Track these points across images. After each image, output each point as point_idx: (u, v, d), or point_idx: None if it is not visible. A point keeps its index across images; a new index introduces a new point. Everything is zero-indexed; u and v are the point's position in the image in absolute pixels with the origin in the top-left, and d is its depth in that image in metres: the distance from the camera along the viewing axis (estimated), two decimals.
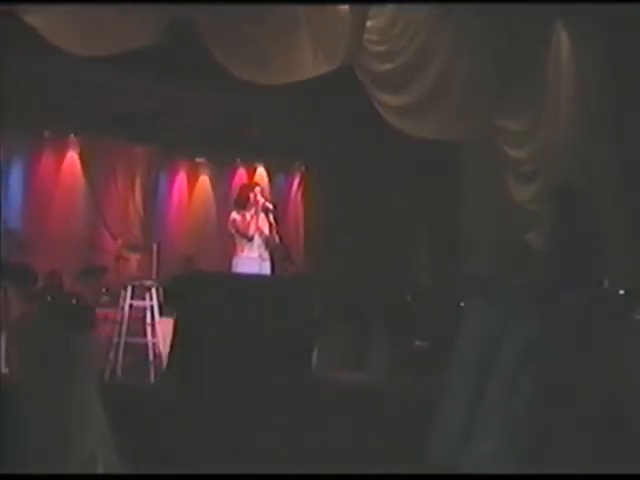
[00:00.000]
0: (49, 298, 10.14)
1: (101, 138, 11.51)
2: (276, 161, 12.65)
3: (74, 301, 10.17)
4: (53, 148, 11.49)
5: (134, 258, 10.21)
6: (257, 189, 8.68)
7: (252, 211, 8.47)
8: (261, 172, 12.57)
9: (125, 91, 11.27)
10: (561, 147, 10.61)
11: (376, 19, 9.55)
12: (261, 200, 8.49)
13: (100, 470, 4.31)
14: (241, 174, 12.40)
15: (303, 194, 12.72)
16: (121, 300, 8.02)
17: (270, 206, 8.46)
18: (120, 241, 10.44)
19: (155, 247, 9.61)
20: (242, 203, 8.54)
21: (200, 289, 6.21)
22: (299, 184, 12.82)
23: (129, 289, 7.97)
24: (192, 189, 12.38)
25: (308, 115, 11.58)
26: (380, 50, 9.67)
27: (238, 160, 12.50)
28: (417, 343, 9.69)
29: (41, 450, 4.19)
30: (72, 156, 11.50)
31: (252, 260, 8.37)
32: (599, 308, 5.00)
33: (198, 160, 12.41)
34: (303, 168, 12.76)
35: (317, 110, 11.36)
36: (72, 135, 11.48)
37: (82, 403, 4.35)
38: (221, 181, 12.39)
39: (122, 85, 11.11)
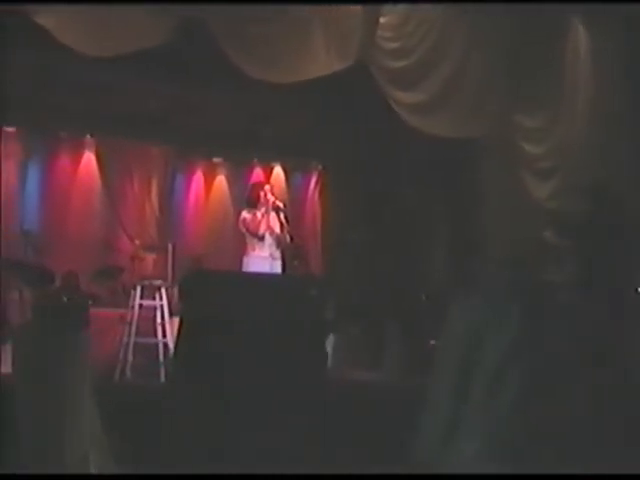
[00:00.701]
0: (65, 299, 10.20)
1: (118, 138, 11.52)
2: (293, 160, 12.61)
3: (90, 302, 10.24)
4: (70, 149, 11.53)
5: (150, 258, 10.21)
6: (267, 187, 8.65)
7: (263, 210, 8.43)
8: (278, 171, 12.55)
9: (141, 91, 11.26)
10: (579, 143, 10.48)
11: (389, 16, 9.47)
12: (271, 199, 8.45)
13: (93, 471, 4.29)
14: (258, 174, 12.37)
15: (320, 193, 12.66)
16: (131, 300, 8.02)
17: (280, 204, 8.43)
18: (138, 242, 10.44)
19: (170, 247, 9.62)
20: (252, 202, 8.51)
21: (202, 288, 6.17)
22: (316, 183, 12.77)
23: (138, 289, 7.95)
24: (209, 189, 12.37)
25: (325, 114, 11.51)
26: (394, 47, 9.60)
27: (255, 160, 12.47)
28: (432, 342, 9.61)
29: (33, 450, 4.18)
30: (89, 157, 11.54)
31: (263, 259, 8.32)
32: (618, 311, 4.94)
33: (215, 160, 12.40)
34: (320, 167, 12.69)
35: (333, 109, 11.29)
36: (88, 136, 11.51)
37: (75, 403, 4.33)
38: (238, 181, 12.36)
39: (138, 85, 11.10)
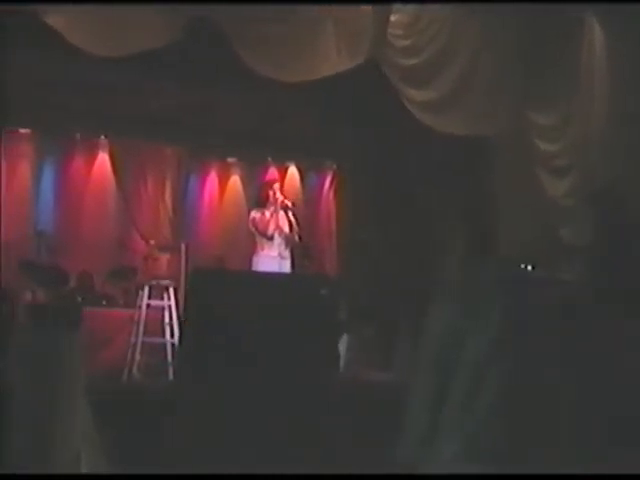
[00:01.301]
0: (79, 299, 10.23)
1: (131, 139, 11.52)
2: (307, 160, 12.55)
3: (104, 302, 10.26)
4: (84, 150, 11.55)
5: (164, 258, 10.20)
6: (276, 186, 8.61)
7: (272, 209, 8.40)
8: (292, 171, 12.50)
9: (154, 92, 11.24)
10: (595, 141, 10.36)
11: (400, 13, 9.39)
12: (280, 198, 8.41)
13: (84, 470, 4.26)
14: (272, 173, 12.32)
15: (335, 193, 12.60)
16: (139, 300, 8.00)
17: (289, 203, 8.39)
18: (153, 242, 10.44)
19: (183, 247, 9.60)
20: (261, 201, 8.49)
21: (203, 287, 6.13)
22: (331, 183, 12.71)
23: (146, 289, 7.93)
24: (223, 189, 12.34)
25: (338, 113, 11.45)
26: (405, 44, 9.52)
27: (269, 159, 12.43)
28: None
29: (23, 450, 4.15)
30: (103, 157, 11.55)
31: (272, 259, 8.29)
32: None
33: (229, 160, 12.37)
34: (334, 167, 12.63)
35: (347, 108, 11.23)
36: (103, 137, 11.53)
37: (66, 403, 4.30)
38: (252, 181, 12.32)
39: (151, 86, 11.09)
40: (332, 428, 6.49)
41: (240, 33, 8.73)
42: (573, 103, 10.34)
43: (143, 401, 6.12)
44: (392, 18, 9.27)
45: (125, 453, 5.10)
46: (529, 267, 8.51)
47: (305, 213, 12.25)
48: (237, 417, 6.00)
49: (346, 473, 5.21)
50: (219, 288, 6.11)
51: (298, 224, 8.36)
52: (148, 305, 7.96)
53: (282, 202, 8.39)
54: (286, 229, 8.38)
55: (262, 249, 8.36)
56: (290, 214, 8.37)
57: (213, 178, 12.33)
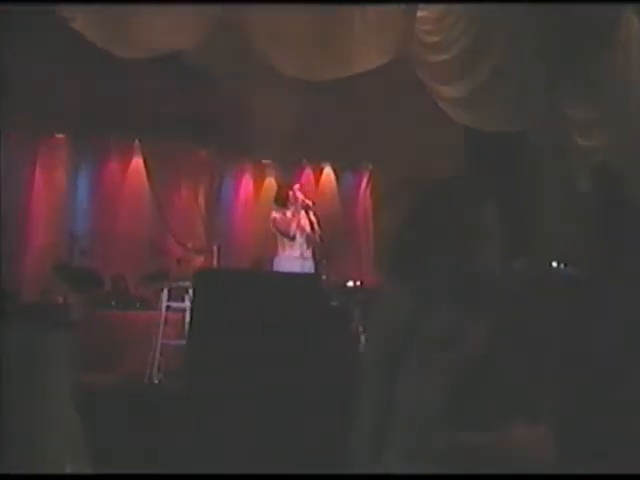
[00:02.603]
0: (113, 302, 10.27)
1: (166, 142, 11.53)
2: (343, 160, 12.44)
3: (137, 304, 10.29)
4: (118, 154, 11.61)
5: (198, 260, 10.21)
6: (296, 186, 8.54)
7: (292, 209, 8.33)
8: (328, 172, 12.41)
9: (188, 95, 11.26)
10: (633, 137, 10.11)
11: (428, 9, 9.27)
12: (300, 197, 8.34)
13: (68, 471, 4.22)
14: (308, 174, 12.25)
15: (371, 193, 12.48)
16: (160, 302, 7.99)
17: (310, 203, 8.30)
18: (190, 244, 10.45)
19: (215, 249, 9.58)
20: (282, 201, 8.42)
21: (210, 287, 6.08)
22: (367, 183, 12.59)
23: (165, 291, 7.92)
24: (258, 191, 12.29)
25: (372, 112, 11.33)
26: (434, 40, 9.39)
27: (304, 160, 12.34)
28: None
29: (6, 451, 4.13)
30: (137, 161, 11.59)
31: (294, 259, 8.22)
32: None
33: (264, 162, 12.32)
34: (370, 167, 12.51)
35: (380, 107, 11.13)
36: (137, 140, 11.58)
37: (51, 404, 4.27)
38: (288, 182, 12.24)
39: (185, 88, 11.11)
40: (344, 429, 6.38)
41: (270, 33, 8.71)
42: (611, 98, 10.11)
43: (152, 401, 6.10)
44: (419, 14, 9.17)
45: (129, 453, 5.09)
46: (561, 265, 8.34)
47: (342, 213, 12.21)
48: (253, 417, 5.95)
49: (345, 473, 5.08)
50: (222, 288, 6.06)
51: (319, 224, 8.27)
52: (169, 307, 7.93)
53: (303, 202, 8.32)
54: (307, 229, 8.31)
55: (284, 250, 8.30)
56: (311, 214, 8.29)
57: (248, 180, 12.29)
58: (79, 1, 7.73)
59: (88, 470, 4.38)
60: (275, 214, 8.39)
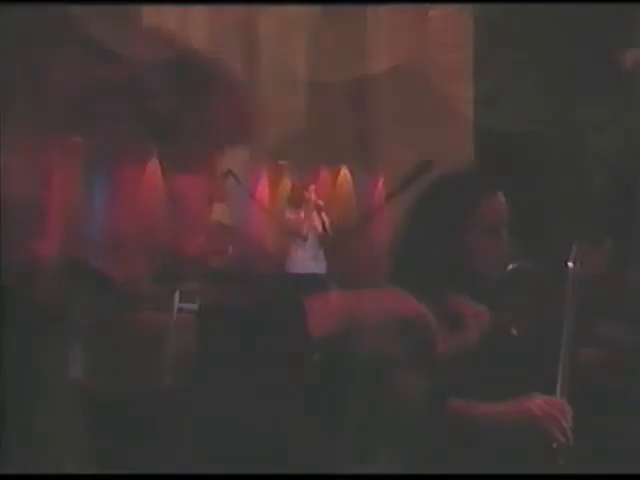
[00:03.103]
0: (125, 303, 10.30)
1: (181, 144, 11.53)
2: (359, 162, 12.40)
3: (149, 305, 10.32)
4: (134, 156, 11.61)
5: (212, 261, 10.18)
6: (311, 187, 8.56)
7: (305, 210, 8.33)
8: (345, 173, 12.37)
9: (204, 96, 11.26)
10: None
11: (439, 9, 9.27)
12: (313, 198, 8.34)
13: (70, 470, 4.21)
14: (324, 176, 12.21)
15: (387, 194, 12.43)
16: (171, 304, 7.98)
17: (321, 203, 8.31)
18: (203, 246, 10.44)
19: (230, 250, 9.56)
20: (295, 202, 8.43)
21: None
22: (383, 184, 12.54)
23: (177, 292, 7.91)
24: (274, 191, 12.26)
25: (386, 114, 11.31)
26: (447, 40, 9.39)
27: (320, 161, 12.30)
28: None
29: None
30: (154, 163, 11.59)
31: (306, 260, 8.22)
32: None
33: (280, 162, 12.29)
34: (385, 168, 12.45)
35: (394, 108, 11.11)
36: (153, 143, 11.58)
37: (52, 405, 4.26)
38: (304, 183, 12.21)
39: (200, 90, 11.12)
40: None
41: (281, 33, 8.75)
42: (628, 98, 10.08)
43: (161, 403, 6.07)
44: (430, 13, 9.18)
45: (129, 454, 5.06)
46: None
47: (358, 214, 12.16)
48: (273, 418, 5.93)
49: (346, 473, 5.07)
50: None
51: (329, 225, 8.27)
52: (180, 309, 7.93)
53: (315, 202, 8.32)
54: (320, 229, 8.31)
55: (296, 251, 8.30)
56: (323, 214, 8.29)
57: (264, 181, 12.26)
58: (83, 1, 7.72)
59: (90, 470, 4.37)
60: (289, 215, 8.41)
